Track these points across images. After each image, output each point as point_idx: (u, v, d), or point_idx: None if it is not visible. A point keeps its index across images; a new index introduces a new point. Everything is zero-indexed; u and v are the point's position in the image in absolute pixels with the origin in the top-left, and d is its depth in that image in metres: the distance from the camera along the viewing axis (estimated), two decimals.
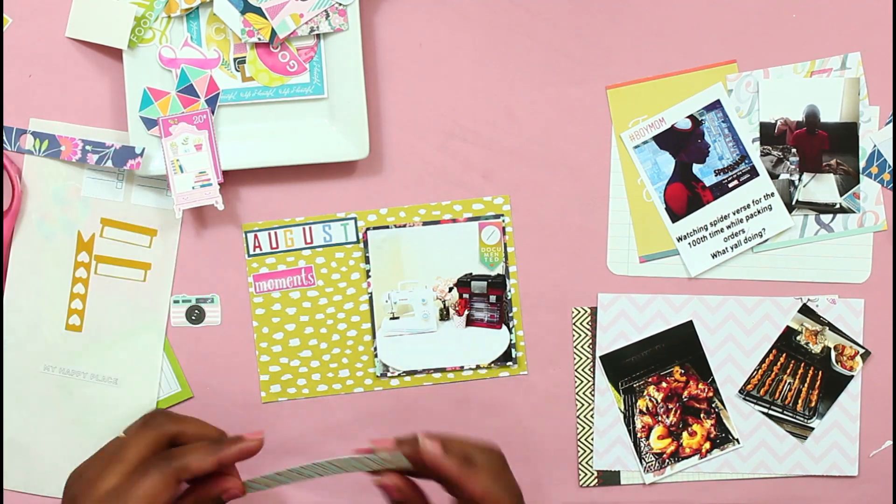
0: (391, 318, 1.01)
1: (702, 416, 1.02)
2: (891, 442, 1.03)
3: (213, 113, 0.97)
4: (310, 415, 1.02)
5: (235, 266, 1.00)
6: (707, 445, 1.02)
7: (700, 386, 1.02)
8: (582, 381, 1.02)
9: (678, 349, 1.02)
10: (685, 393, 1.02)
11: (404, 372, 1.01)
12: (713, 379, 1.02)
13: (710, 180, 1.01)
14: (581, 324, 1.02)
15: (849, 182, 1.01)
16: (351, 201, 1.00)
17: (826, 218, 1.01)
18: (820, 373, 1.02)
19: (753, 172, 1.01)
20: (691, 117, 1.00)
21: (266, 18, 0.96)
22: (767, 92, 1.00)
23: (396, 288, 1.01)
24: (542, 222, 1.01)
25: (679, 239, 1.01)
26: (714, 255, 1.01)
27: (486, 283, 1.01)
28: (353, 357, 1.01)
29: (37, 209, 0.98)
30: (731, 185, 1.01)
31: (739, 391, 1.02)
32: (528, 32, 1.00)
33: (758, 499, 1.03)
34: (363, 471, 0.90)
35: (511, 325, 1.01)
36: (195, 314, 1.00)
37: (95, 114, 0.98)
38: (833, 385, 1.02)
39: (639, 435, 1.02)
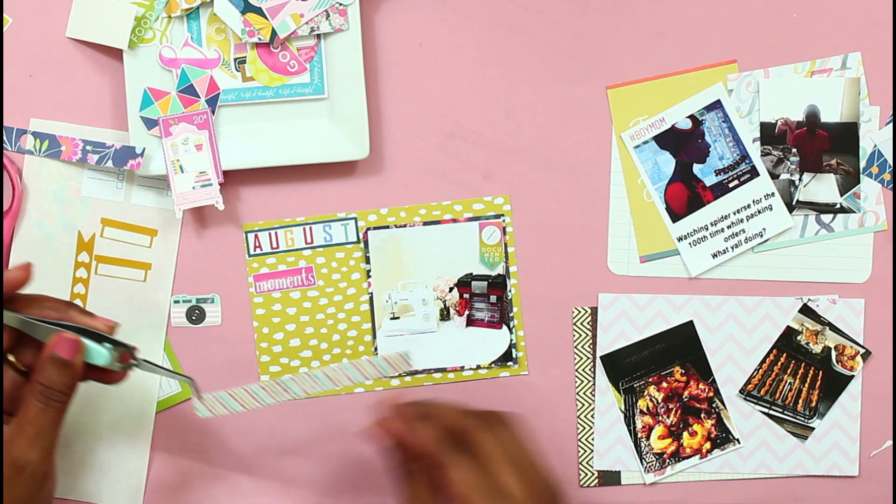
0: (392, 319, 1.01)
1: (702, 416, 1.02)
2: (891, 442, 1.03)
3: (213, 113, 0.97)
4: (310, 415, 1.01)
5: (236, 266, 1.00)
6: (707, 445, 1.02)
7: (700, 386, 1.02)
8: (582, 381, 1.02)
9: (679, 349, 1.02)
10: (685, 393, 1.02)
11: (405, 372, 1.01)
12: (713, 379, 1.02)
13: (710, 180, 1.01)
14: (581, 324, 1.02)
15: (849, 182, 1.01)
16: (351, 201, 1.00)
17: (826, 218, 1.01)
18: (820, 373, 1.02)
19: (754, 172, 1.01)
20: (692, 117, 1.00)
21: (266, 18, 0.96)
22: (768, 92, 1.00)
23: (397, 288, 1.01)
24: (542, 222, 1.01)
25: (679, 239, 1.01)
26: (714, 255, 1.01)
27: (486, 283, 1.01)
28: (353, 357, 1.01)
29: (37, 209, 0.98)
30: (731, 185, 1.01)
31: (740, 391, 1.02)
32: (528, 32, 1.00)
33: (758, 499, 1.03)
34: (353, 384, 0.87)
35: (511, 325, 1.01)
36: (195, 314, 1.00)
37: (96, 114, 0.98)
38: (833, 385, 1.02)
39: (639, 435, 1.02)
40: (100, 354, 0.84)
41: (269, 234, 1.00)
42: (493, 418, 0.87)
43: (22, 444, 0.80)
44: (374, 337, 1.01)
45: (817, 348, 1.02)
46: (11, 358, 0.85)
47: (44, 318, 0.84)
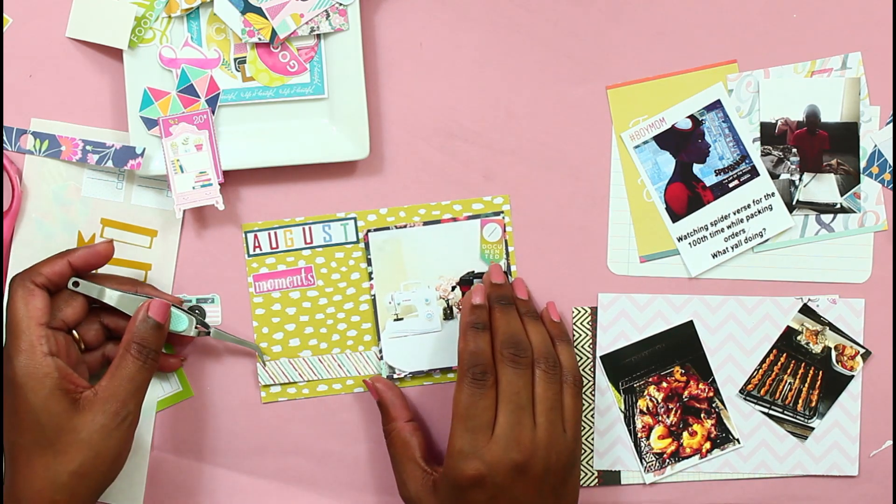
0: (395, 320, 1.01)
1: (702, 415, 1.02)
2: (891, 442, 1.03)
3: (213, 113, 0.97)
4: (310, 415, 1.02)
5: (235, 266, 1.00)
6: (707, 445, 1.02)
7: (700, 386, 1.02)
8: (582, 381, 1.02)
9: (678, 349, 1.02)
10: (685, 393, 1.02)
11: (409, 373, 1.01)
12: (713, 379, 1.02)
13: (710, 180, 1.01)
14: (581, 324, 1.02)
15: (849, 182, 1.01)
16: (351, 201, 1.00)
17: (826, 218, 1.01)
18: (820, 373, 1.02)
19: (754, 172, 1.01)
20: (692, 117, 1.00)
21: (266, 18, 0.96)
22: (768, 92, 1.00)
23: (399, 289, 1.01)
24: (542, 222, 1.01)
25: (679, 239, 1.01)
26: (714, 255, 1.01)
27: None
28: (353, 356, 1.01)
29: (37, 209, 0.99)
30: (731, 185, 1.01)
31: (740, 391, 1.02)
32: (528, 32, 1.00)
33: (758, 499, 1.03)
34: None
35: None
36: (195, 314, 1.00)
37: (95, 114, 0.98)
38: (833, 385, 1.02)
39: (639, 435, 1.02)
40: (181, 320, 0.95)
41: (269, 234, 1.00)
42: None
43: (123, 398, 0.90)
44: (378, 339, 1.01)
45: (817, 348, 1.02)
46: (75, 334, 0.95)
47: (126, 290, 0.94)
